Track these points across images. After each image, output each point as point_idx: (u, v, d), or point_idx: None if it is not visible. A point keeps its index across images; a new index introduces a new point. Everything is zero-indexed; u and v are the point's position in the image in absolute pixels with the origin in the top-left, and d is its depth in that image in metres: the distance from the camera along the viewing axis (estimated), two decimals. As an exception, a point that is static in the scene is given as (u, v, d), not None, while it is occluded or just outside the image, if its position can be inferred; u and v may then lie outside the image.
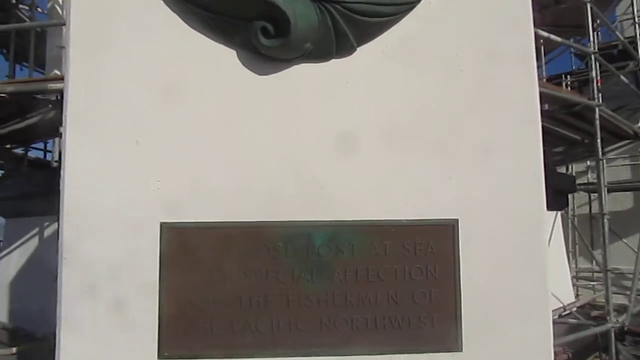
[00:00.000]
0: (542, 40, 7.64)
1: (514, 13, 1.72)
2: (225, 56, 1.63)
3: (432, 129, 1.67)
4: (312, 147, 1.62)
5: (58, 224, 1.58)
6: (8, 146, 6.67)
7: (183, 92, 1.62)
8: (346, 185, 1.61)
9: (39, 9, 7.49)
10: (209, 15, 1.58)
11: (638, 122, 8.33)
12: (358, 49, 1.64)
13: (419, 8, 1.66)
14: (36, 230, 6.11)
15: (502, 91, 1.69)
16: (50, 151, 7.84)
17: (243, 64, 1.62)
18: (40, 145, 8.54)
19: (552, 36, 5.05)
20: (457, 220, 1.62)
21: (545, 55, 8.76)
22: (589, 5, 5.24)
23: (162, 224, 1.56)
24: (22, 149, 6.99)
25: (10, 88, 3.98)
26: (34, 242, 6.16)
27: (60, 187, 1.62)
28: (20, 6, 7.23)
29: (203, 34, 1.62)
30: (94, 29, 1.63)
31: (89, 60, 1.63)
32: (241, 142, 1.61)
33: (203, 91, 1.63)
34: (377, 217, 1.60)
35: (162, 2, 1.62)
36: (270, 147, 1.61)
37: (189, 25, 1.62)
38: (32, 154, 7.71)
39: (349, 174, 1.62)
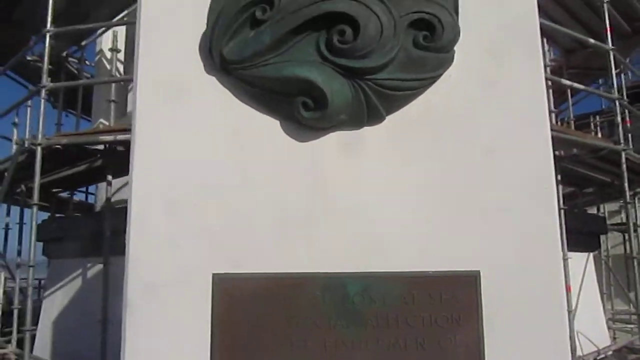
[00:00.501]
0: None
1: (530, 99, 1.90)
2: (270, 125, 1.86)
3: (454, 189, 1.85)
4: (347, 206, 1.82)
5: (124, 276, 1.80)
6: (54, 190, 7.05)
7: (235, 157, 1.85)
8: (378, 241, 1.80)
9: (87, 62, 8.03)
10: (258, 92, 1.82)
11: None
12: (387, 117, 1.85)
13: (440, 81, 1.87)
14: (79, 271, 6.39)
15: (516, 156, 1.86)
16: (93, 194, 8.23)
17: (285, 132, 1.85)
18: (84, 187, 8.94)
19: (576, 84, 5.20)
20: (479, 272, 1.78)
21: (572, 96, 8.86)
22: (612, 53, 5.39)
23: (214, 275, 1.76)
24: (67, 192, 7.37)
25: (64, 140, 4.32)
26: (78, 282, 6.43)
27: (126, 236, 1.83)
28: (70, 59, 7.76)
29: (252, 106, 1.86)
30: (159, 103, 1.88)
31: (153, 126, 1.88)
32: (285, 201, 1.82)
33: (252, 155, 1.85)
34: (405, 269, 1.77)
35: (216, 79, 1.88)
36: (310, 206, 1.82)
37: (240, 99, 1.86)
38: (76, 197, 8.12)
39: (381, 230, 1.81)
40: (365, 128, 1.85)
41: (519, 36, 1.93)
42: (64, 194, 7.59)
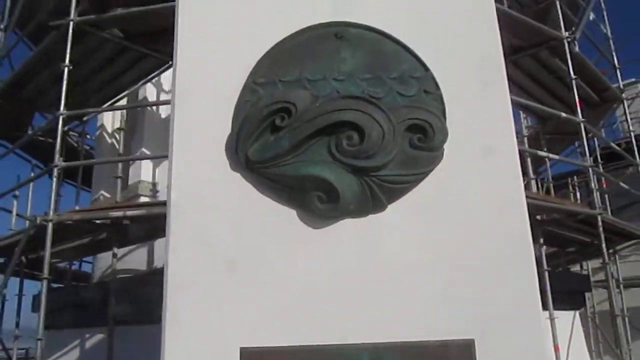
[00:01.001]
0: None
1: (508, 186, 2.24)
2: (289, 214, 2.15)
3: (449, 265, 2.14)
4: (357, 283, 2.10)
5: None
6: (54, 260, 7.18)
7: (257, 240, 2.13)
8: (384, 314, 2.07)
9: (87, 136, 8.38)
10: (278, 187, 2.13)
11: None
12: (388, 206, 2.16)
13: (432, 174, 2.19)
14: (77, 341, 6.46)
15: (498, 233, 2.17)
16: (90, 262, 8.35)
17: (302, 221, 2.15)
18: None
19: (551, 155, 5.62)
20: (473, 340, 2.04)
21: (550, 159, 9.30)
22: (582, 125, 5.85)
23: (241, 349, 2.01)
24: (66, 263, 7.52)
25: (76, 216, 4.57)
26: (76, 353, 6.49)
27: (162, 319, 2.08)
28: (71, 133, 8.09)
29: (272, 199, 2.16)
30: (192, 194, 2.18)
31: (188, 211, 2.17)
32: (303, 281, 2.09)
33: (273, 240, 2.14)
34: (408, 339, 2.03)
35: (241, 176, 2.18)
36: (325, 285, 2.09)
37: (262, 193, 2.16)
38: (74, 266, 8.24)
39: (386, 305, 2.08)
40: (371, 215, 2.15)
41: (498, 134, 2.29)
42: (62, 264, 7.72)
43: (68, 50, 5.04)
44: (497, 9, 2.66)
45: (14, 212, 7.19)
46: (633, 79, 15.00)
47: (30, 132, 7.85)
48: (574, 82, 5.85)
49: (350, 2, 2.42)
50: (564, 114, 6.15)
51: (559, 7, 6.06)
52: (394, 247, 2.16)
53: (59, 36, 5.37)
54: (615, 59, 8.37)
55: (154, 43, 5.62)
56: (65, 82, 5.36)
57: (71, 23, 5.09)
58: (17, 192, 7.28)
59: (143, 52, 5.72)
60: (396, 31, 2.35)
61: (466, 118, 2.27)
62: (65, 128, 7.89)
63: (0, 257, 6.89)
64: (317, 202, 2.07)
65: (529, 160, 6.02)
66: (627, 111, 8.32)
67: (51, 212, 4.56)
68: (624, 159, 8.89)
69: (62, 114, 5.24)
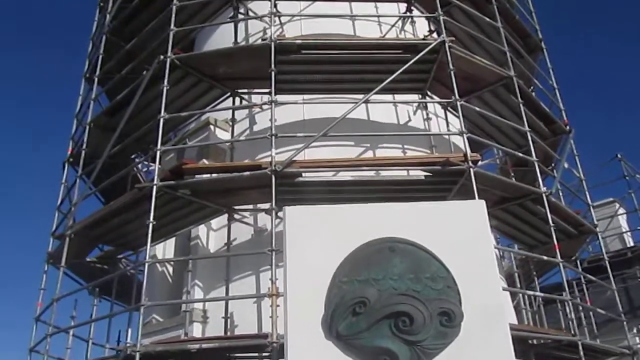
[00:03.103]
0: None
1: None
2: (363, 369, 3.37)
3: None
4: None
5: None
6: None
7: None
8: None
9: (140, 269, 9.54)
10: (358, 353, 3.36)
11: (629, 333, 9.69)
12: (428, 363, 3.38)
13: (454, 342, 3.43)
14: None
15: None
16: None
17: (373, 374, 3.36)
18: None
19: (537, 293, 6.87)
20: None
21: (539, 277, 10.48)
22: (561, 265, 7.14)
23: None
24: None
25: (159, 348, 5.68)
26: None
27: None
28: (123, 260, 9.34)
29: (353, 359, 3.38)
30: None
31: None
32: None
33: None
34: None
35: (333, 344, 3.42)
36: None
37: (347, 356, 3.39)
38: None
39: None
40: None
41: (495, 314, 3.56)
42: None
43: (153, 208, 6.38)
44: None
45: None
46: (611, 199, 16.65)
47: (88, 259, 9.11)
48: (552, 228, 7.21)
49: (399, 223, 3.78)
50: (545, 257, 7.48)
51: (537, 167, 7.58)
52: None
53: (141, 195, 6.77)
54: (588, 198, 9.86)
55: (213, 198, 7.02)
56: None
57: (154, 187, 6.49)
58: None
59: (205, 205, 7.09)
60: (428, 244, 3.69)
61: (474, 303, 3.56)
62: (119, 255, 9.28)
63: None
64: (384, 364, 3.31)
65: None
66: (602, 244, 9.73)
67: (138, 344, 5.65)
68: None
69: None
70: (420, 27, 9.54)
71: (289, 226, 3.80)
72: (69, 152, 9.78)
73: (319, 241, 3.72)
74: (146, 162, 10.33)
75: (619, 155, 15.50)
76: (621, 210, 16.27)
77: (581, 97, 37.70)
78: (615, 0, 41.16)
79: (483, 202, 3.92)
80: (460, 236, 3.75)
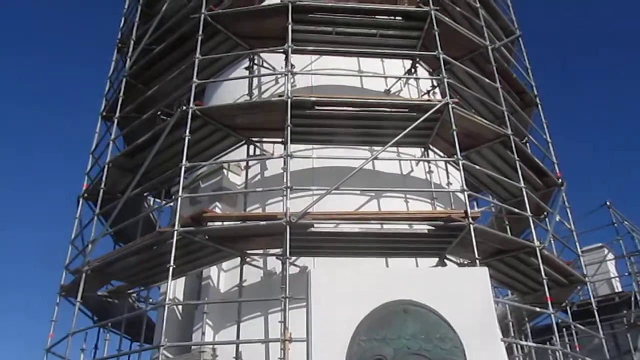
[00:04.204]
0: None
1: None
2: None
3: None
4: None
5: None
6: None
7: None
8: None
9: (151, 300, 9.92)
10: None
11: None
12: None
13: (461, 398, 3.87)
14: None
15: None
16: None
17: None
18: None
19: (530, 343, 7.31)
20: None
21: (530, 321, 10.93)
22: (552, 317, 7.61)
23: None
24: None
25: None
26: None
27: None
28: (134, 296, 9.70)
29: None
30: None
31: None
32: None
33: None
34: None
35: (352, 396, 3.84)
36: None
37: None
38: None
39: None
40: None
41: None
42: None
43: (173, 252, 6.80)
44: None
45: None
46: (600, 244, 17.20)
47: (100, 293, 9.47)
48: (544, 280, 7.70)
49: (412, 285, 4.25)
50: (537, 308, 7.96)
51: (532, 223, 8.10)
52: None
53: (160, 238, 7.21)
54: (578, 249, 10.37)
55: (227, 243, 7.47)
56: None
57: (175, 232, 6.92)
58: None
59: (219, 249, 7.52)
60: (437, 306, 4.15)
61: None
62: (130, 291, 9.64)
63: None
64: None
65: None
66: (590, 293, 10.25)
67: (157, 383, 6.01)
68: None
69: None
70: (424, 80, 10.18)
71: (313, 287, 4.25)
72: (84, 188, 10.21)
73: (340, 301, 4.17)
74: (158, 200, 10.80)
75: (607, 203, 16.12)
76: (610, 256, 16.79)
77: (572, 140, 38.72)
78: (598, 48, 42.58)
79: (486, 269, 4.42)
80: (465, 300, 4.22)
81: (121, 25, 12.41)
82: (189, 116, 7.78)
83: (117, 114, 9.82)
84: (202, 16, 8.70)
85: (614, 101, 41.79)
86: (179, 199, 7.25)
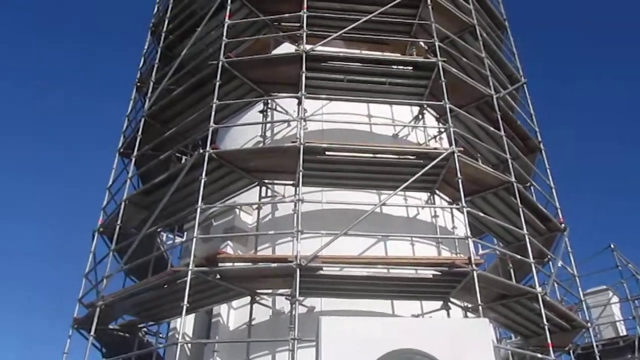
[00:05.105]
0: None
1: None
2: None
3: None
4: None
5: None
6: None
7: None
8: None
9: (161, 335, 10.15)
10: None
11: None
12: None
13: None
14: None
15: None
16: None
17: None
18: None
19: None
20: None
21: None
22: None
23: None
24: None
25: None
26: None
27: None
28: (145, 330, 9.93)
29: None
30: None
31: None
32: None
33: None
34: None
35: None
36: None
37: None
38: None
39: None
40: None
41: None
42: None
43: (187, 291, 7.09)
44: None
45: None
46: (604, 286, 17.26)
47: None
48: (547, 327, 7.90)
49: (417, 335, 4.50)
50: (539, 354, 8.15)
51: (534, 269, 8.33)
52: None
53: (176, 277, 7.50)
54: (581, 294, 10.54)
55: (238, 283, 7.74)
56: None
57: (189, 272, 7.21)
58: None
59: (231, 288, 7.79)
60: (440, 355, 4.39)
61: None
62: (140, 325, 9.87)
63: None
64: None
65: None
66: (593, 338, 10.38)
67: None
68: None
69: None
70: (430, 121, 10.54)
71: (324, 332, 4.51)
72: (99, 222, 10.53)
73: (349, 347, 4.42)
74: (170, 236, 11.11)
75: (611, 245, 16.28)
76: (615, 299, 16.84)
77: (575, 182, 38.96)
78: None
79: (487, 320, 4.68)
80: (467, 351, 4.46)
81: (140, 65, 12.90)
82: (206, 159, 8.13)
83: (135, 152, 10.18)
84: (220, 63, 9.13)
85: (616, 145, 42.18)
86: (194, 239, 7.53)
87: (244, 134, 10.58)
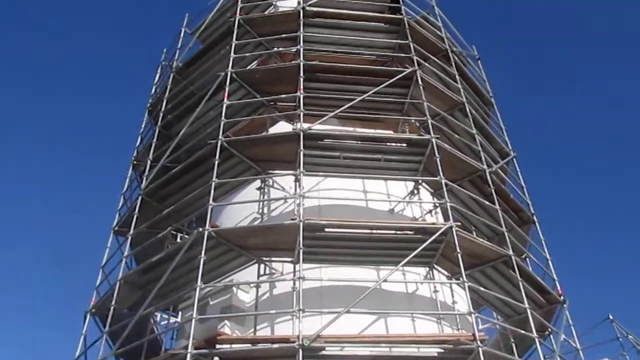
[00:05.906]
0: None
1: None
2: None
3: None
4: None
5: None
6: None
7: None
8: None
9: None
10: None
11: None
12: None
13: None
14: None
15: None
16: None
17: None
18: None
19: None
20: None
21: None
22: None
23: None
24: None
25: None
26: None
27: None
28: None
29: None
30: None
31: None
32: None
33: None
34: None
35: None
36: None
37: None
38: None
39: None
40: None
41: None
42: None
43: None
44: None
45: None
46: (606, 359, 16.90)
47: None
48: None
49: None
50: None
51: (537, 343, 8.22)
52: None
53: (173, 360, 7.30)
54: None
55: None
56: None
57: (188, 355, 7.02)
58: None
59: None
60: None
61: None
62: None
63: None
64: None
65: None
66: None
67: None
68: None
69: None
70: (424, 196, 10.66)
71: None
72: (92, 303, 10.29)
73: None
74: (165, 316, 10.86)
75: (610, 317, 16.07)
76: (617, 371, 16.46)
77: (572, 249, 38.92)
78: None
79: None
80: None
81: (137, 143, 13.08)
82: (205, 237, 8.10)
83: (131, 230, 10.13)
84: (219, 142, 9.30)
85: (611, 210, 42.53)
86: (193, 320, 7.37)
87: (240, 211, 10.59)
